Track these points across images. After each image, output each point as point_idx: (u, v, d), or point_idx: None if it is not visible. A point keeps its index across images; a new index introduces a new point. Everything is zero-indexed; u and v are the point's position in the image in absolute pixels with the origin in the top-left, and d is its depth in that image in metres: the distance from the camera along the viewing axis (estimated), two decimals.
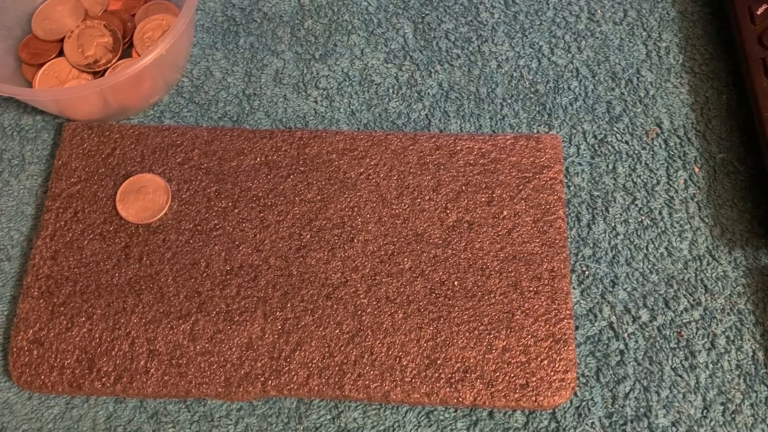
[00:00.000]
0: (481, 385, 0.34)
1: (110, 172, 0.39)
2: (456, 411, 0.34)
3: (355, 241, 0.37)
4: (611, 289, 0.37)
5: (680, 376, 0.35)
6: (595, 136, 0.40)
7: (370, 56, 0.43)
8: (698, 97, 0.41)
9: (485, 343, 0.35)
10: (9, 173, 0.41)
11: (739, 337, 0.35)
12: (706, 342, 0.35)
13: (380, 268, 0.36)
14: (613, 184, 0.39)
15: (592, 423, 0.34)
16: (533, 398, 0.33)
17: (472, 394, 0.34)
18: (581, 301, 0.36)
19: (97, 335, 0.35)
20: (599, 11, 0.44)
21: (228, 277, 0.36)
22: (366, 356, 0.34)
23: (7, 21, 0.43)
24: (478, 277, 0.36)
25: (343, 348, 0.35)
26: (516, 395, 0.34)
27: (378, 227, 0.37)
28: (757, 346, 0.35)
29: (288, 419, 0.34)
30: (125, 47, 0.43)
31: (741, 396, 0.34)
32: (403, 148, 0.39)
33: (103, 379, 0.34)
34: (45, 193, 0.40)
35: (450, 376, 0.34)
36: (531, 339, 0.35)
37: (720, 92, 0.41)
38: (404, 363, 0.34)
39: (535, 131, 0.41)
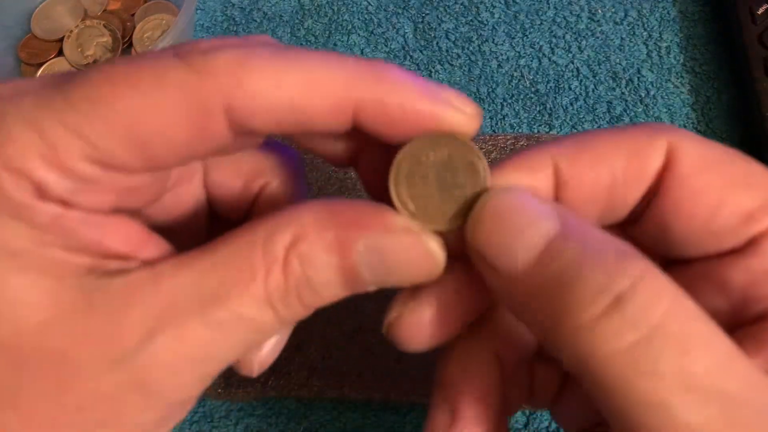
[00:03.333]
0: None
1: None
2: None
3: None
4: None
5: None
6: None
7: (370, 56, 0.43)
8: (699, 97, 0.41)
9: None
10: None
11: None
12: None
13: None
14: None
15: None
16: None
17: None
18: None
19: None
20: (600, 11, 0.44)
21: None
22: (366, 356, 0.34)
23: (6, 20, 0.43)
24: None
25: (343, 347, 0.35)
26: None
27: None
28: None
29: (288, 419, 0.34)
30: (125, 47, 0.43)
31: None
32: None
33: None
34: None
35: None
36: None
37: (721, 92, 0.41)
38: (405, 363, 0.34)
39: (535, 131, 0.40)
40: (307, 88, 0.17)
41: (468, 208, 0.19)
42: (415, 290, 0.20)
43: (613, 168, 0.19)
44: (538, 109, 0.41)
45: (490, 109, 0.41)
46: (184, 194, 0.22)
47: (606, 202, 0.19)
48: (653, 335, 0.15)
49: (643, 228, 0.20)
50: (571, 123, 0.41)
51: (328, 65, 0.17)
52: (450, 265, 0.19)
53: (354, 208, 0.18)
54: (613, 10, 0.44)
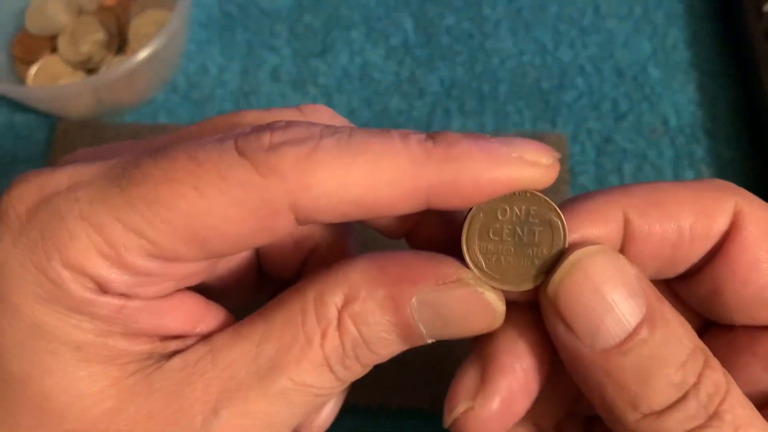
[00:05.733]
0: None
1: None
2: None
3: None
4: None
5: None
6: (600, 135, 0.39)
7: (370, 52, 0.42)
8: (705, 94, 0.40)
9: None
10: (0, 172, 0.40)
11: None
12: None
13: None
14: (619, 184, 0.38)
15: None
16: None
17: None
18: None
19: None
20: (604, 6, 0.43)
21: None
22: None
23: (0, 17, 0.42)
24: None
25: None
26: None
27: None
28: None
29: None
30: (120, 43, 0.42)
31: None
32: None
33: None
34: None
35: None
36: None
37: (727, 89, 0.41)
38: (405, 368, 0.34)
39: (539, 129, 0.40)
40: (375, 182, 0.16)
41: (546, 268, 0.18)
42: (480, 379, 0.19)
43: (681, 225, 0.19)
44: (541, 106, 0.40)
45: (493, 106, 0.40)
46: (235, 258, 0.22)
47: (668, 258, 0.19)
48: (710, 424, 0.17)
49: (694, 287, 0.20)
50: (575, 121, 0.40)
51: (393, 152, 0.16)
52: (516, 352, 0.19)
53: (403, 262, 0.18)
54: (617, 5, 0.43)
